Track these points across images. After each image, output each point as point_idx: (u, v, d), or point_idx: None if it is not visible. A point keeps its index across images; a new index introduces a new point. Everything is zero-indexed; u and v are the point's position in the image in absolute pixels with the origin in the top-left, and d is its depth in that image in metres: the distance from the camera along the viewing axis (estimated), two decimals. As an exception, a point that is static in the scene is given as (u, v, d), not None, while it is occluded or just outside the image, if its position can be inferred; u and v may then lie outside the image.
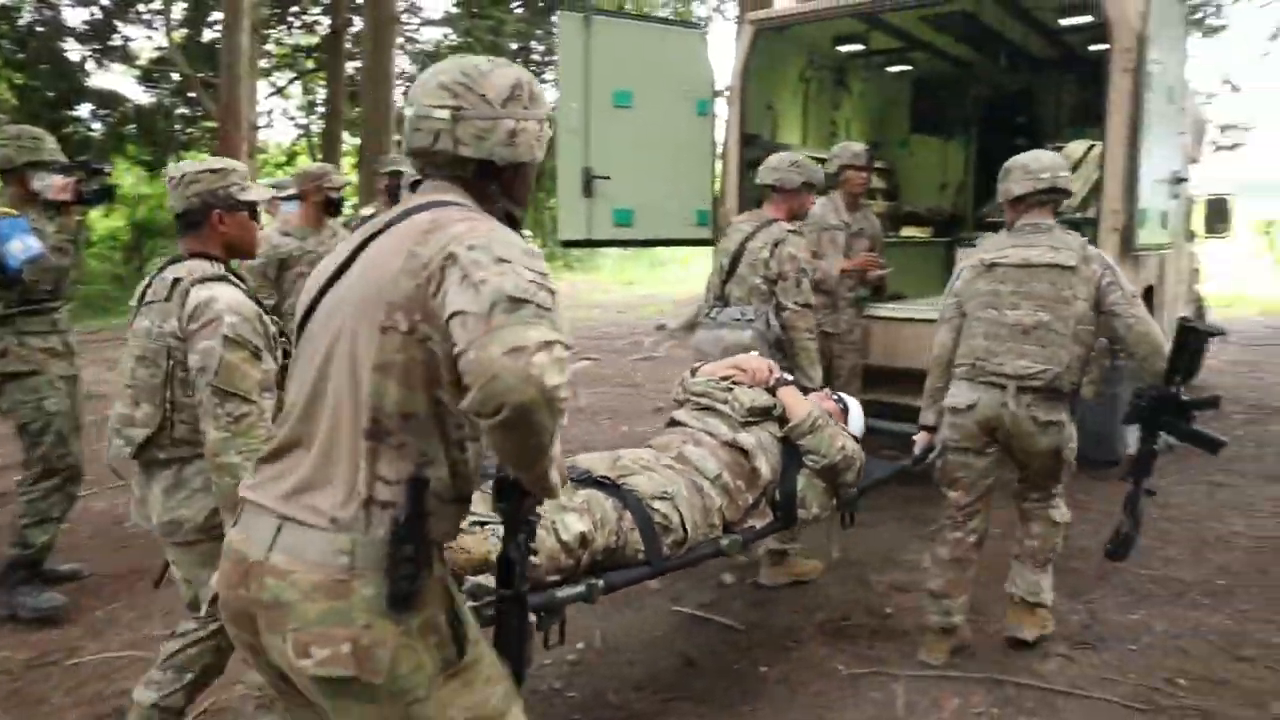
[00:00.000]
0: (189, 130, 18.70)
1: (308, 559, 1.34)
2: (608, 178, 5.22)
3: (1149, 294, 5.14)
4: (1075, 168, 5.91)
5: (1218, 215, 7.39)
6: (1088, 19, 5.77)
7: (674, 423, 3.10)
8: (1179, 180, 5.05)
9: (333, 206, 4.50)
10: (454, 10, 18.44)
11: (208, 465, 2.16)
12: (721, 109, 5.75)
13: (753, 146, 5.78)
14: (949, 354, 3.26)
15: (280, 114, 23.57)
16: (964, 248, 5.34)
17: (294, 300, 4.29)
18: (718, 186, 5.78)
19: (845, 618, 3.60)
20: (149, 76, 18.18)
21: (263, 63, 18.93)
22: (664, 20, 5.72)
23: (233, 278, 2.31)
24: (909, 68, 7.41)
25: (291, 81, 21.53)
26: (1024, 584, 3.30)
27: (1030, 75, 7.11)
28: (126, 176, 16.97)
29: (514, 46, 18.09)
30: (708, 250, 5.74)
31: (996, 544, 4.28)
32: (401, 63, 18.57)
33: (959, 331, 3.23)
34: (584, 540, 2.31)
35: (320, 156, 17.79)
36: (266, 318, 2.26)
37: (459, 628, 1.42)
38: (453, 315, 1.26)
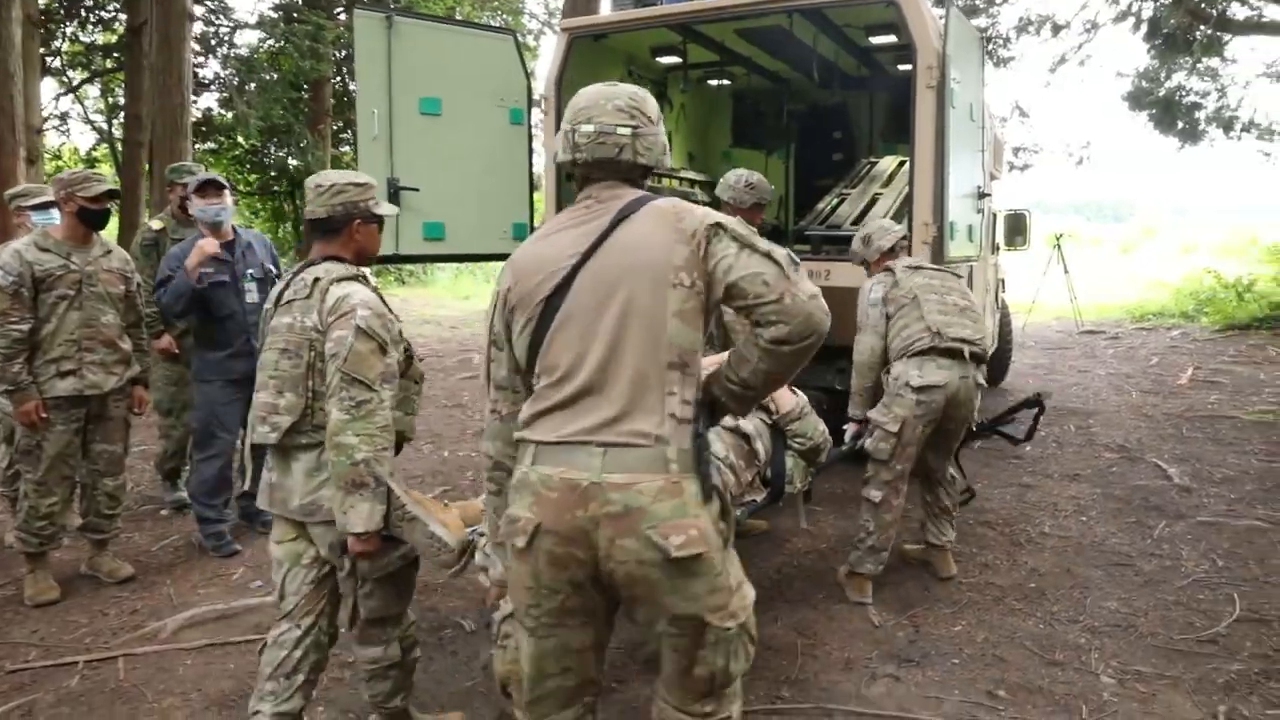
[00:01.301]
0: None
1: (645, 471, 1.69)
2: (416, 189, 4.87)
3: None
4: (888, 183, 6.06)
5: (1016, 229, 7.85)
6: (892, 39, 5.94)
7: None
8: (982, 195, 5.23)
9: (90, 218, 3.87)
10: (270, 14, 17.37)
11: (326, 443, 2.27)
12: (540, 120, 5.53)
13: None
14: (878, 358, 3.86)
15: (78, 117, 21.45)
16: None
17: (53, 326, 3.75)
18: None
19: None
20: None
21: (55, 61, 17.18)
22: (474, 24, 5.44)
23: (366, 277, 2.47)
24: (728, 81, 7.45)
25: (85, 81, 19.61)
26: (946, 534, 4.05)
27: (844, 92, 7.30)
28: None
29: (337, 55, 17.22)
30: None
31: (814, 573, 4.24)
32: (214, 67, 17.37)
33: (885, 336, 3.84)
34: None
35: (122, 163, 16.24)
36: (392, 316, 2.43)
37: (729, 515, 1.85)
38: (747, 275, 1.72)
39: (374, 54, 4.75)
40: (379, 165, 4.78)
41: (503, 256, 6.08)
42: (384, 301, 2.44)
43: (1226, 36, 14.34)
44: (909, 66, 6.66)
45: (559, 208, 5.38)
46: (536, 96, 5.38)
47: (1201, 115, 15.61)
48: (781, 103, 7.54)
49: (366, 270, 2.55)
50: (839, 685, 3.15)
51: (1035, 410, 4.50)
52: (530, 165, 5.46)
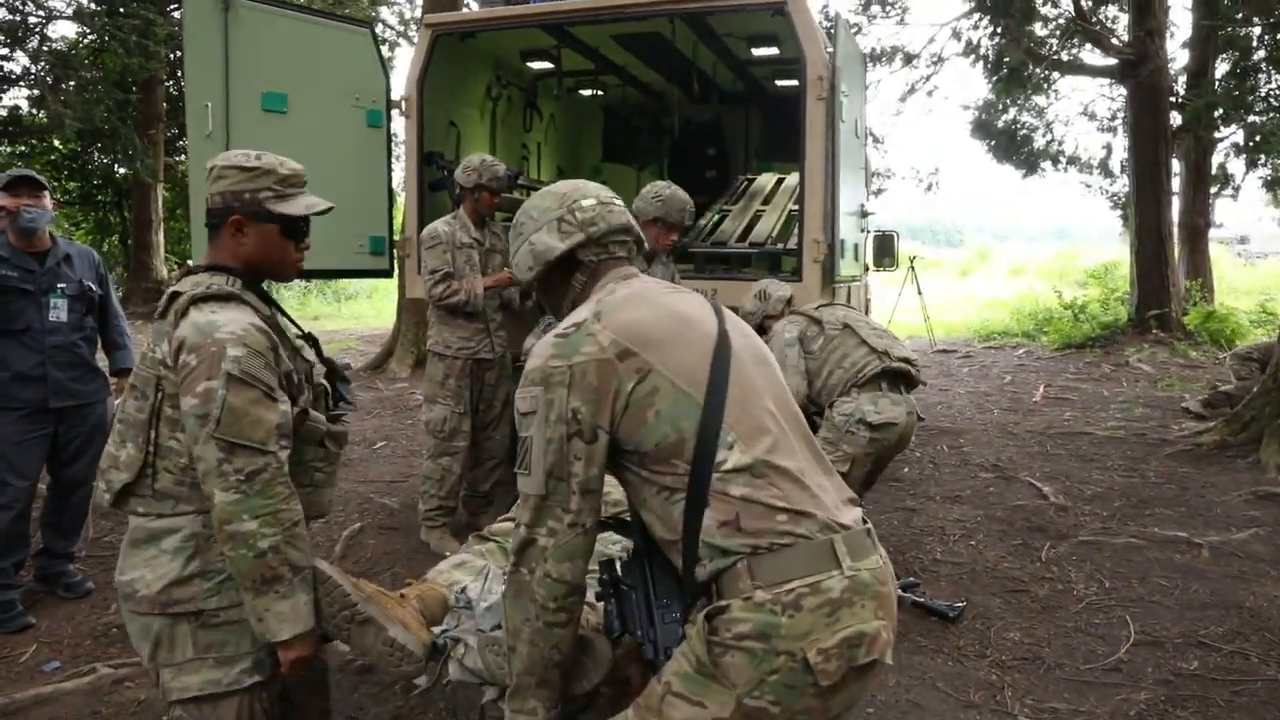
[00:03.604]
0: None
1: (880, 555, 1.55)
2: (257, 195, 4.27)
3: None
4: (768, 200, 5.91)
5: (885, 250, 7.92)
6: (774, 52, 5.82)
7: None
8: (865, 214, 5.14)
9: None
10: (91, 6, 15.79)
11: (217, 535, 1.75)
12: (400, 125, 5.04)
13: (433, 167, 5.12)
14: (803, 399, 3.68)
15: None
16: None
17: None
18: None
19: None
20: None
21: None
22: (325, 14, 4.91)
23: (250, 297, 1.86)
24: (600, 92, 7.16)
25: None
26: None
27: (719, 107, 7.15)
28: None
29: (171, 54, 15.84)
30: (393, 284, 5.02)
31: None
32: (23, 60, 15.61)
33: (807, 375, 3.72)
34: None
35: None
36: (285, 344, 1.86)
37: None
38: None
39: (207, 39, 4.16)
40: (213, 167, 4.17)
41: (359, 273, 5.55)
42: (276, 327, 1.87)
43: (1056, 75, 15.36)
44: (789, 82, 6.64)
45: (422, 221, 4.91)
46: (397, 97, 4.89)
47: (1032, 148, 16.64)
48: (655, 117, 7.33)
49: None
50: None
51: None
52: (390, 173, 4.95)
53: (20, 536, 3.64)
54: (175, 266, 15.99)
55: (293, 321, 2.03)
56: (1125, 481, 5.89)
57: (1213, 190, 15.71)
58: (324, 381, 2.04)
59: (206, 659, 1.81)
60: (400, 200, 5.99)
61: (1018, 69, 13.90)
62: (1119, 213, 17.43)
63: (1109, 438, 7.14)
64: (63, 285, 3.61)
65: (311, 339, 2.08)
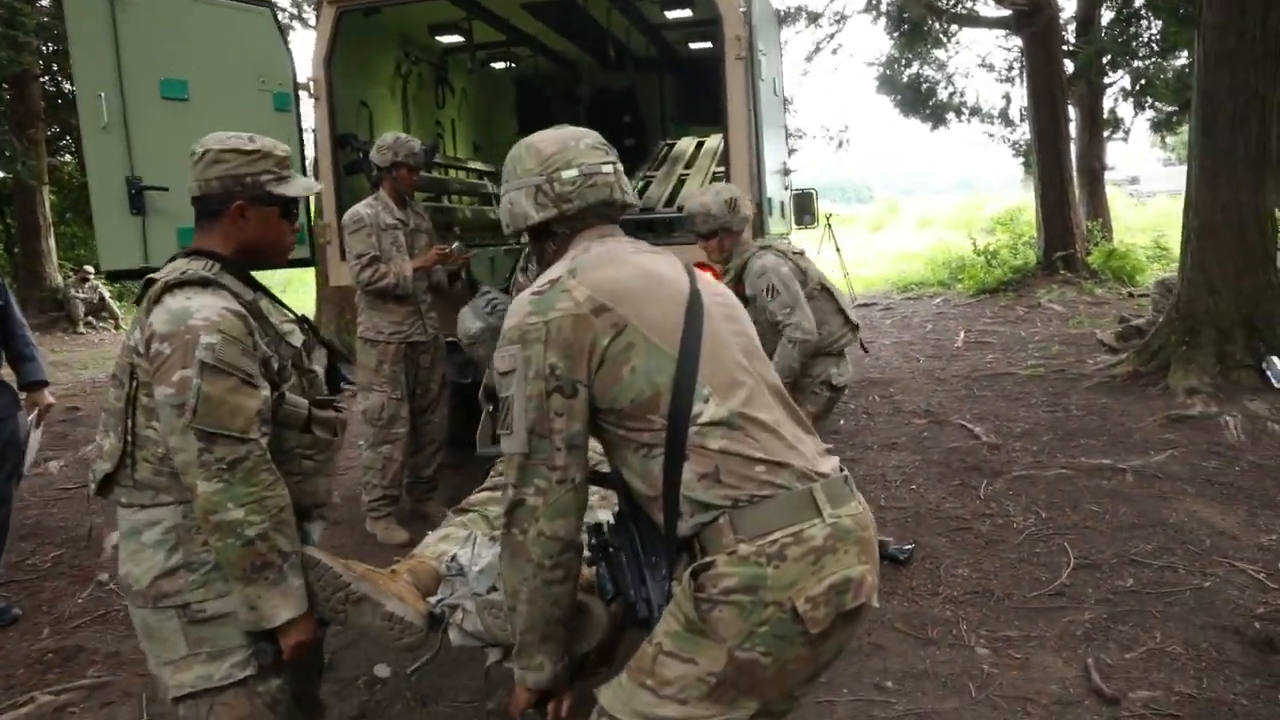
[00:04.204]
0: None
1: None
2: (165, 188, 4.07)
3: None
4: (690, 164, 5.90)
5: (804, 208, 8.00)
6: (687, 13, 5.78)
7: None
8: (788, 172, 5.18)
9: None
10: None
11: (202, 526, 1.72)
12: (308, 107, 4.85)
13: (348, 149, 4.96)
14: (813, 347, 3.56)
15: None
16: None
17: None
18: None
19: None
20: None
21: None
22: (217, -4, 4.67)
23: (227, 280, 1.81)
24: (513, 64, 7.02)
25: None
26: None
27: (632, 74, 7.08)
28: None
29: (45, 47, 14.89)
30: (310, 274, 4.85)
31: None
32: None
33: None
34: None
35: None
36: (265, 330, 1.81)
37: None
38: None
39: (93, 24, 3.89)
40: (114, 161, 3.94)
41: (283, 264, 5.35)
42: (257, 312, 1.81)
43: (954, 28, 15.71)
44: (703, 45, 6.62)
45: (340, 206, 4.74)
46: (303, 80, 4.69)
47: (937, 101, 17.03)
48: (568, 87, 7.23)
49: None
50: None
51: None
52: (303, 158, 4.76)
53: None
54: (71, 274, 15.17)
55: (284, 306, 1.98)
56: (1050, 417, 6.13)
57: (1105, 134, 16.36)
58: (316, 368, 1.99)
59: (199, 654, 1.79)
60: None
61: (918, 23, 14.16)
62: (1020, 160, 18.00)
63: (1030, 376, 7.41)
64: None
65: (305, 322, 2.01)
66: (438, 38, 6.18)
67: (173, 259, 1.87)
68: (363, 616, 1.84)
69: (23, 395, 3.70)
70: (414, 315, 4.25)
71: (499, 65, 7.00)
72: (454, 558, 2.08)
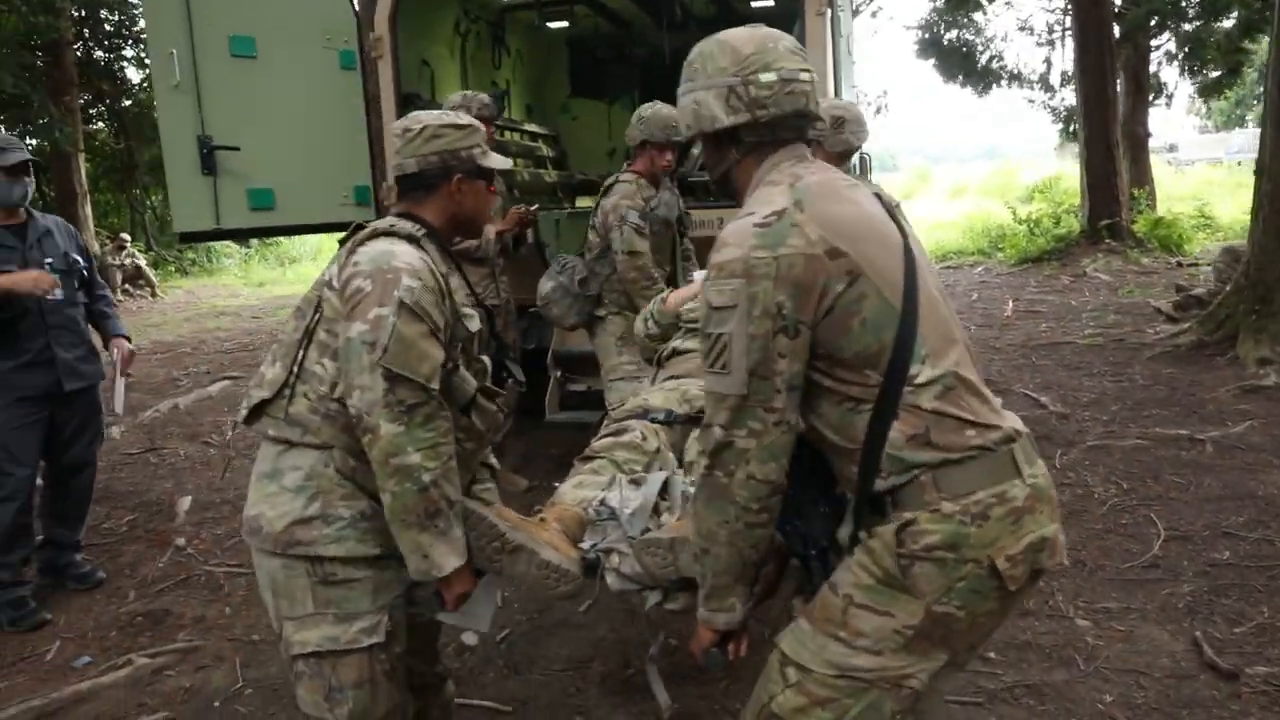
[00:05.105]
0: None
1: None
2: (236, 148, 4.03)
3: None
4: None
5: (861, 171, 7.85)
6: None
7: (676, 353, 3.03)
8: (859, 133, 5.03)
9: None
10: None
11: (377, 472, 1.70)
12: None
13: (411, 108, 4.86)
14: None
15: None
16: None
17: None
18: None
19: (626, 665, 2.97)
20: None
21: None
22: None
23: (431, 247, 1.84)
24: (567, 24, 6.87)
25: None
26: None
27: (685, 35, 6.90)
28: None
29: (76, 12, 14.82)
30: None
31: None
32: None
33: None
34: None
35: None
36: (453, 306, 1.82)
37: None
38: None
39: (164, -20, 3.84)
40: (186, 120, 3.89)
41: (345, 227, 5.29)
42: (443, 275, 1.82)
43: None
44: (764, 3, 6.45)
45: (405, 167, 4.67)
46: (370, 37, 4.60)
47: (981, 66, 16.66)
48: (623, 48, 7.07)
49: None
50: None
51: None
52: (369, 119, 4.68)
53: (24, 529, 3.42)
54: (108, 241, 15.22)
55: (471, 288, 2.02)
56: (1116, 386, 6.01)
57: (1149, 100, 15.96)
58: (485, 359, 2.00)
59: (326, 614, 1.78)
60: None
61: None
62: (1060, 127, 17.62)
63: (1089, 345, 7.27)
64: (51, 259, 3.35)
65: (486, 310, 2.04)
66: (497, -6, 6.06)
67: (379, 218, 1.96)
68: (518, 565, 1.84)
69: (106, 355, 3.68)
70: (488, 278, 4.18)
71: (554, 25, 6.86)
72: (602, 501, 2.05)
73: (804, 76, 1.53)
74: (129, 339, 3.63)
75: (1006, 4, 15.86)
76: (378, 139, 4.59)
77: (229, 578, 3.75)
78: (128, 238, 14.91)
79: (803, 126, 1.58)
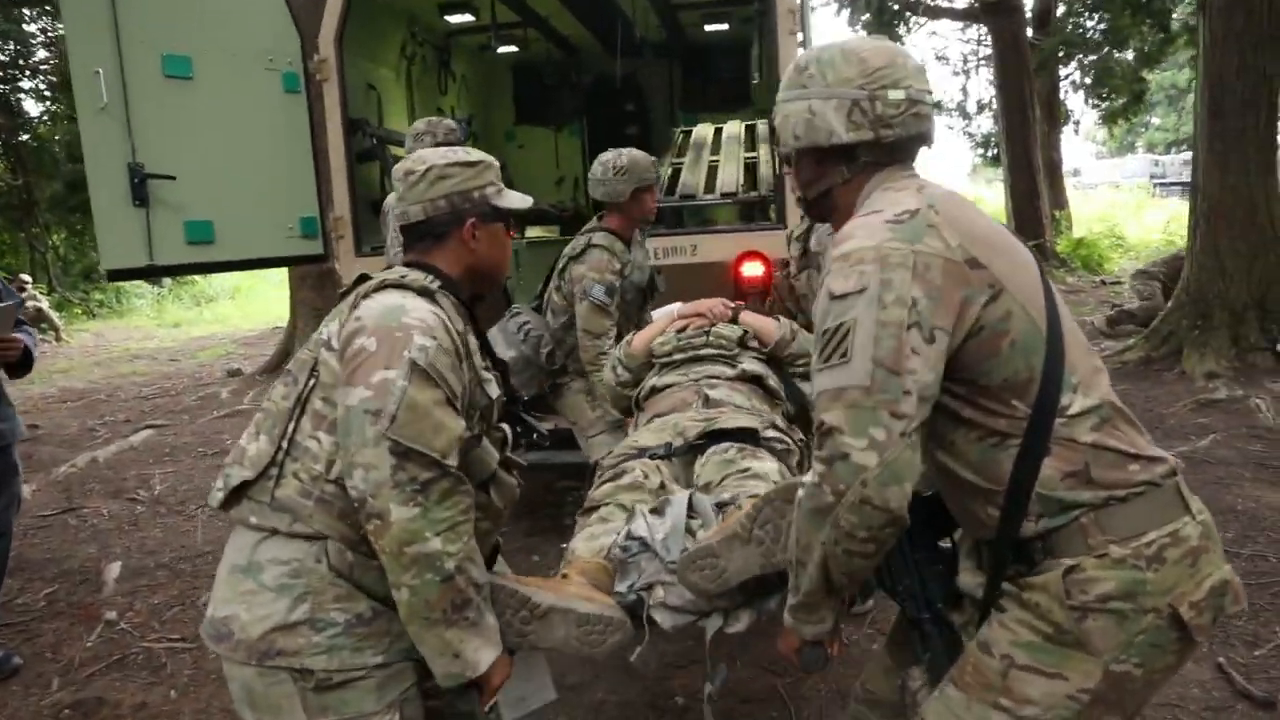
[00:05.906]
0: None
1: None
2: (171, 177, 3.68)
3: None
4: (716, 150, 5.64)
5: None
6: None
7: (655, 390, 2.85)
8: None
9: None
10: None
11: (389, 565, 1.41)
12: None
13: (361, 135, 4.58)
14: None
15: None
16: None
17: None
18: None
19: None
20: None
21: None
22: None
23: (446, 302, 1.59)
24: (515, 48, 6.67)
25: None
26: None
27: (635, 61, 6.78)
28: None
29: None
30: (282, 273, 4.48)
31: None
32: None
33: None
34: None
35: None
36: (469, 368, 1.56)
37: None
38: None
39: (88, -6, 3.49)
40: (114, 147, 3.53)
41: (293, 260, 4.94)
42: (459, 334, 1.57)
43: (922, 20, 15.76)
44: (718, 26, 6.37)
45: (353, 196, 4.39)
46: (314, 59, 4.31)
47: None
48: (567, 74, 6.90)
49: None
50: None
51: None
52: (314, 145, 4.37)
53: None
54: (7, 282, 14.22)
55: (487, 349, 1.72)
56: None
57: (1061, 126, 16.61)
58: (504, 426, 1.73)
59: None
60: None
61: (888, 13, 14.18)
62: (979, 152, 18.22)
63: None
64: None
65: (501, 368, 1.76)
66: (446, 17, 5.81)
67: (388, 267, 1.70)
68: (554, 630, 1.58)
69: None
70: None
71: (501, 50, 6.65)
72: (628, 535, 1.82)
73: (929, 99, 1.41)
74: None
75: (932, 33, 16.33)
76: (324, 166, 4.30)
77: (171, 654, 3.33)
78: (28, 279, 13.98)
79: (914, 151, 1.44)
